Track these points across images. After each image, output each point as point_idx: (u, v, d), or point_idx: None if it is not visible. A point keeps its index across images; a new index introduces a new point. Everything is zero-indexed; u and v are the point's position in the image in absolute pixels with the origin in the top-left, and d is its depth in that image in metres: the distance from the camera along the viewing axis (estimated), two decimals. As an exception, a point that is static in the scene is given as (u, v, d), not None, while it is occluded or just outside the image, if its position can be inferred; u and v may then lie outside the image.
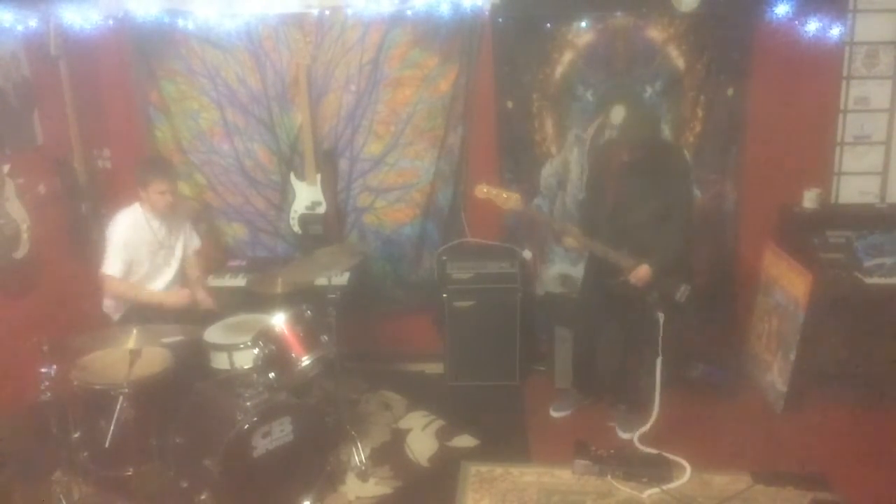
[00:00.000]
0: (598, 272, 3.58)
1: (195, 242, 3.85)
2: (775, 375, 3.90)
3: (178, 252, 3.71)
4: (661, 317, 3.42)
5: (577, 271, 4.17)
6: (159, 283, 3.63)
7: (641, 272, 3.37)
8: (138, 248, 3.51)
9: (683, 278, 3.46)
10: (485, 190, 3.53)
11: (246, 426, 2.84)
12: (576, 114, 4.12)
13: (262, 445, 2.89)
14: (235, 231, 4.41)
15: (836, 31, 3.93)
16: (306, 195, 4.16)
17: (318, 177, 4.14)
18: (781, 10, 3.87)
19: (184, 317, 3.41)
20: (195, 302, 3.65)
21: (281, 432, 2.94)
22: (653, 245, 3.38)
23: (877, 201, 4.18)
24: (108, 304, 3.57)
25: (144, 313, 3.42)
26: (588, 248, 3.52)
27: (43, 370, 2.80)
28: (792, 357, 3.73)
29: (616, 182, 3.44)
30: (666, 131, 4.08)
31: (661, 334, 3.42)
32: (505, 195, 3.48)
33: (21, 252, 3.51)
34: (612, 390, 3.87)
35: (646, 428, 3.54)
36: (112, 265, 3.44)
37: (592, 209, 3.62)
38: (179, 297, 3.55)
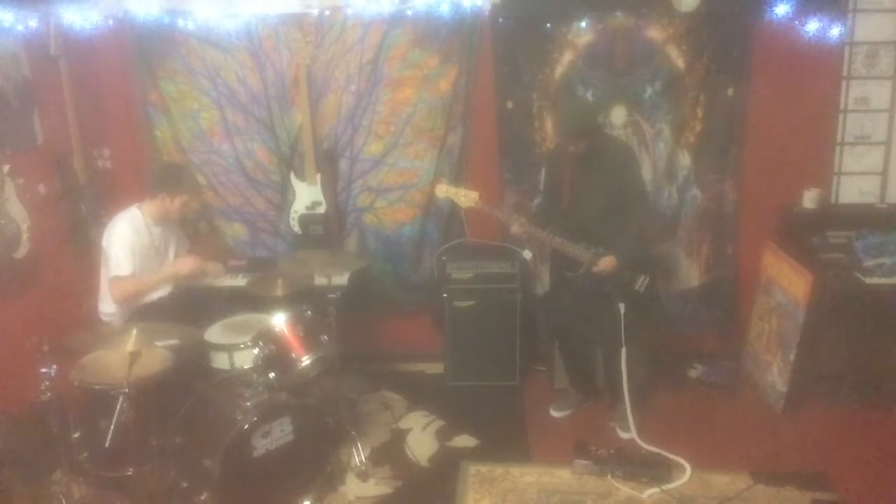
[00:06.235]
0: (561, 267, 3.62)
1: (185, 244, 3.85)
2: (775, 375, 3.90)
3: (170, 257, 3.71)
4: (622, 307, 3.44)
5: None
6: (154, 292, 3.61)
7: (607, 262, 3.39)
8: (139, 252, 3.49)
9: (642, 269, 3.50)
10: (444, 189, 3.62)
11: (246, 426, 2.84)
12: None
13: (262, 445, 2.89)
14: (235, 231, 4.41)
15: (836, 31, 3.92)
16: (306, 195, 4.16)
17: (318, 177, 4.14)
18: (781, 10, 3.87)
19: (183, 317, 3.41)
20: (203, 269, 3.65)
21: (281, 432, 2.95)
22: (611, 237, 3.43)
23: (877, 201, 4.18)
24: (108, 313, 3.55)
25: (147, 313, 3.42)
26: (547, 242, 3.55)
27: (43, 370, 2.81)
28: (792, 357, 3.73)
29: (569, 177, 3.49)
30: (666, 130, 4.09)
31: (623, 325, 3.45)
32: (464, 193, 3.54)
33: (21, 252, 3.51)
34: (590, 383, 3.93)
35: (630, 420, 3.56)
36: (124, 266, 3.40)
37: (549, 206, 3.68)
38: (187, 264, 3.57)
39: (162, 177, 3.68)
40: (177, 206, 3.55)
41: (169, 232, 3.68)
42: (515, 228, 3.51)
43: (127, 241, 3.43)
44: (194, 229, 4.30)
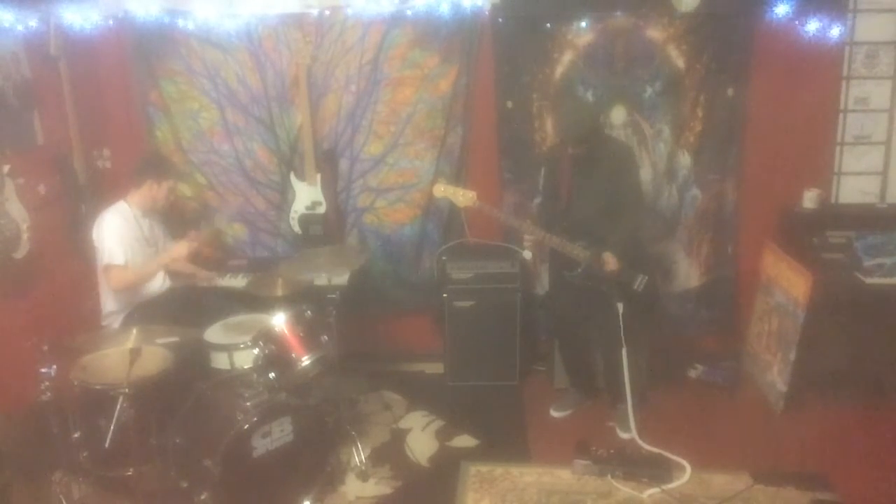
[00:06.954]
0: (559, 267, 3.63)
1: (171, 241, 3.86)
2: (775, 375, 3.90)
3: (160, 249, 3.72)
4: (620, 307, 3.45)
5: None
6: (150, 281, 3.62)
7: (607, 259, 3.40)
8: (130, 243, 3.51)
9: (641, 268, 3.50)
10: (441, 188, 3.64)
11: (246, 426, 2.84)
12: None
13: (262, 445, 2.89)
14: (235, 231, 4.41)
15: (836, 31, 3.92)
16: (306, 195, 4.16)
17: (318, 177, 4.14)
18: (781, 10, 3.87)
19: (183, 317, 3.41)
20: (197, 251, 3.69)
21: (281, 432, 2.95)
22: (607, 236, 3.44)
23: (877, 201, 4.18)
24: (108, 313, 3.55)
25: (146, 313, 3.42)
26: (544, 242, 3.56)
27: (43, 370, 2.81)
28: (792, 357, 3.73)
29: (567, 177, 3.50)
30: (666, 131, 4.09)
31: (622, 325, 3.45)
32: (461, 193, 3.56)
33: (21, 252, 3.51)
34: (590, 383, 3.93)
35: (630, 420, 3.55)
36: (115, 255, 3.42)
37: (549, 205, 3.69)
38: (182, 248, 3.58)
39: (146, 164, 3.69)
40: (164, 192, 3.60)
41: (157, 224, 3.71)
42: (528, 237, 3.53)
43: (117, 231, 3.46)
44: (194, 229, 4.30)
